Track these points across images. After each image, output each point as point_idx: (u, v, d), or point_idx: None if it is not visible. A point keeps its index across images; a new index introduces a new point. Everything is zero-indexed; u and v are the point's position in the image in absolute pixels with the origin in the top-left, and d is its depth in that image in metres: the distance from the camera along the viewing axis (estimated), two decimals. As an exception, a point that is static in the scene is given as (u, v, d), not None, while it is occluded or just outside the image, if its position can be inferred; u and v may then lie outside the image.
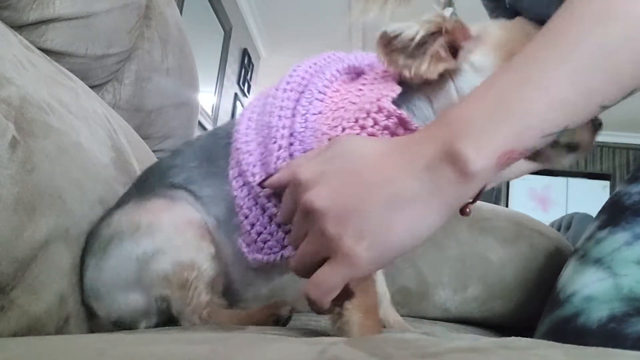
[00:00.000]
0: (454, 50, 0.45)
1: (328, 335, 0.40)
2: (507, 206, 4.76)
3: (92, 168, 0.55)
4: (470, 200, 0.43)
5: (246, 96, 3.82)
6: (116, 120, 0.73)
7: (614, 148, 5.04)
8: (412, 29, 0.42)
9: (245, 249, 0.50)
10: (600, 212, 0.66)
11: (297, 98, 0.49)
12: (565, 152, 0.46)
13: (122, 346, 0.29)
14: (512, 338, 0.27)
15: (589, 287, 0.57)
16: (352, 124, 0.44)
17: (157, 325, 0.51)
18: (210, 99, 3.08)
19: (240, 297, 0.57)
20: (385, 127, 0.44)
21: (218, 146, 0.53)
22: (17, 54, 0.51)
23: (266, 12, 3.73)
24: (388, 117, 0.44)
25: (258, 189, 0.48)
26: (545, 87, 0.36)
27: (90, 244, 0.50)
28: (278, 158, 0.47)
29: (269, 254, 0.49)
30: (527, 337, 0.28)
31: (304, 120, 0.47)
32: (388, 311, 0.63)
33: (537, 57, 0.37)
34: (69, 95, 0.58)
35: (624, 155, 5.07)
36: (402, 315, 0.74)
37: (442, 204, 0.36)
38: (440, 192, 0.36)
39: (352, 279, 0.37)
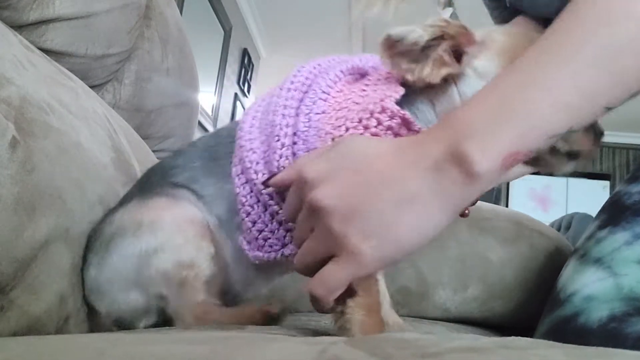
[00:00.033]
0: (457, 55, 0.45)
1: (328, 335, 0.40)
2: (507, 206, 4.76)
3: (92, 168, 0.55)
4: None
5: (246, 96, 3.82)
6: (116, 120, 0.73)
7: (614, 148, 5.04)
8: (416, 32, 0.42)
9: (246, 247, 0.50)
10: (601, 211, 0.66)
11: (300, 98, 0.49)
12: (566, 159, 0.46)
13: (122, 346, 0.29)
14: (512, 338, 0.27)
15: (589, 287, 0.57)
16: (356, 123, 0.45)
17: (156, 325, 0.51)
18: (210, 99, 3.08)
19: (241, 297, 0.57)
20: (389, 128, 0.44)
21: (221, 145, 0.53)
22: (17, 54, 0.51)
23: (266, 12, 3.73)
24: (391, 117, 0.44)
25: (261, 187, 0.48)
26: (549, 89, 0.36)
27: (93, 242, 0.51)
28: (280, 156, 0.47)
29: (270, 251, 0.49)
30: (527, 337, 0.28)
31: (307, 120, 0.48)
32: (387, 312, 0.63)
33: (541, 59, 0.37)
34: (69, 95, 0.58)
35: (624, 155, 5.07)
36: (402, 315, 0.74)
37: (448, 205, 0.36)
38: (446, 193, 0.36)
39: (357, 277, 0.38)
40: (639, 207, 0.61)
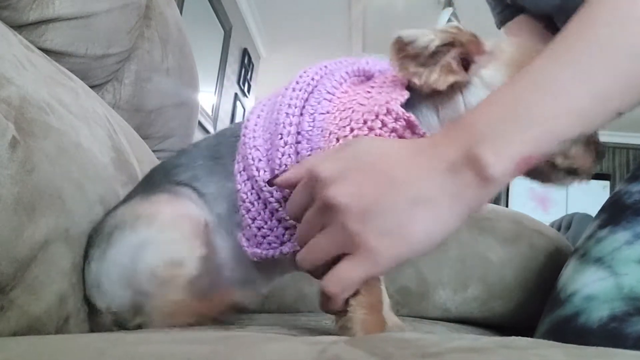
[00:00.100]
0: (466, 63, 0.46)
1: (328, 335, 0.40)
2: (507, 206, 4.76)
3: (92, 168, 0.55)
4: None
5: (246, 96, 3.82)
6: (116, 120, 0.73)
7: (614, 148, 5.04)
8: (427, 37, 0.43)
9: (244, 243, 0.50)
10: (601, 211, 0.66)
11: (305, 98, 0.49)
12: (564, 175, 0.46)
13: (122, 346, 0.29)
14: (513, 338, 0.27)
15: (589, 287, 0.57)
16: (361, 125, 0.45)
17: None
18: (210, 98, 3.08)
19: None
20: (393, 130, 0.44)
21: (224, 145, 0.54)
22: (17, 54, 0.51)
23: (266, 12, 3.73)
24: (396, 119, 0.44)
25: (262, 183, 0.48)
26: (562, 93, 0.36)
27: (94, 237, 0.51)
28: (283, 154, 0.47)
29: (268, 249, 0.49)
30: (527, 337, 0.28)
31: (312, 120, 0.48)
32: (387, 313, 0.63)
33: (555, 63, 0.38)
34: (69, 95, 0.58)
35: (624, 155, 5.07)
36: (402, 315, 0.75)
37: (462, 207, 0.37)
38: (460, 195, 0.36)
39: (371, 275, 0.38)
40: (639, 207, 0.61)
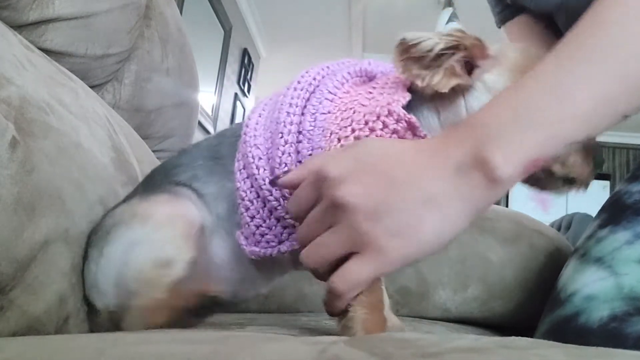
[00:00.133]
0: (469, 67, 0.46)
1: (328, 335, 0.40)
2: (507, 206, 4.76)
3: (92, 168, 0.55)
4: None
5: (246, 96, 3.82)
6: (116, 120, 0.73)
7: (614, 148, 5.04)
8: (432, 40, 0.43)
9: (243, 242, 0.50)
10: (601, 211, 0.66)
11: (307, 97, 0.49)
12: (562, 183, 0.46)
13: (122, 346, 0.29)
14: (513, 338, 0.27)
15: (589, 287, 0.57)
16: (362, 125, 0.45)
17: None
18: (210, 98, 3.08)
19: (240, 297, 0.57)
20: (394, 131, 0.44)
21: (224, 145, 0.54)
22: (17, 54, 0.51)
23: (266, 12, 3.73)
24: (397, 121, 0.44)
25: (261, 182, 0.48)
26: (569, 96, 0.37)
27: (93, 237, 0.50)
28: (283, 153, 0.47)
29: (267, 247, 0.49)
30: (527, 337, 0.28)
31: (313, 119, 0.48)
32: (387, 314, 0.63)
33: (562, 66, 0.38)
34: (69, 95, 0.58)
35: (624, 155, 5.07)
36: (402, 315, 0.75)
37: (470, 208, 0.37)
38: (469, 196, 0.37)
39: (380, 274, 0.38)
40: (639, 207, 0.61)
